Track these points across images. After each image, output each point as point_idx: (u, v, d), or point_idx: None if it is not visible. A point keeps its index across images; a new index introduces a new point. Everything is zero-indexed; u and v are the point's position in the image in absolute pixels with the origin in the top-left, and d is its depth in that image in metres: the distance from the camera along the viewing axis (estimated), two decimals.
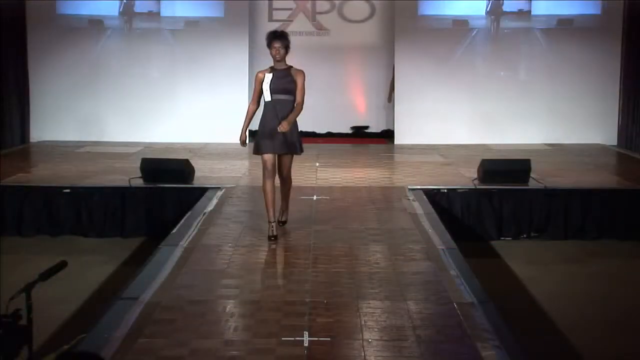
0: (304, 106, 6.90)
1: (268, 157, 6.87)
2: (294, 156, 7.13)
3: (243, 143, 7.06)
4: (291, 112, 6.80)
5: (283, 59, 6.84)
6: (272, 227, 6.90)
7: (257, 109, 6.99)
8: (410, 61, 13.42)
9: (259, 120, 6.93)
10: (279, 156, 6.95)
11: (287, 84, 6.81)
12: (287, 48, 6.82)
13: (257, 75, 6.95)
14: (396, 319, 4.95)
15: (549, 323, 6.23)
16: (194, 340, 4.55)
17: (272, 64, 6.91)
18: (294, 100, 6.83)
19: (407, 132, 13.36)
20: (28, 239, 8.98)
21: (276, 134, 6.75)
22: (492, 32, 13.51)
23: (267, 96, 6.83)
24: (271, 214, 6.90)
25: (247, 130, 7.09)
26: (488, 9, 13.44)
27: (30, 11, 13.26)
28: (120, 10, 13.58)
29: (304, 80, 6.85)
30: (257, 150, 6.93)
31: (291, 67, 6.89)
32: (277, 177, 7.08)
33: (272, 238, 6.87)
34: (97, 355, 4.01)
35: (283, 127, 6.62)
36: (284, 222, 7.38)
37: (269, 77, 6.81)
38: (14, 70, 12.89)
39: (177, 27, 13.58)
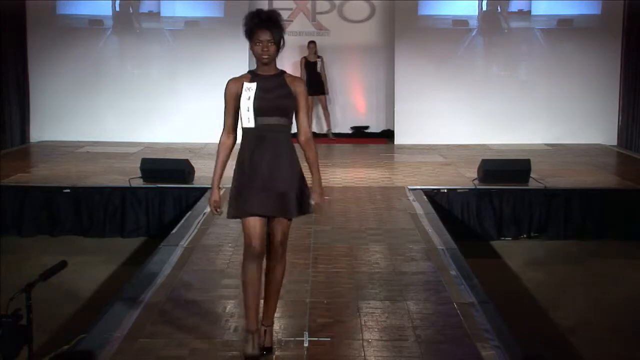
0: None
1: (255, 222, 4.18)
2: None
3: (217, 207, 4.30)
4: (289, 148, 4.24)
5: (272, 60, 4.24)
6: (254, 339, 4.26)
7: (234, 142, 4.33)
8: (410, 61, 13.41)
9: (236, 161, 4.29)
10: (271, 218, 4.26)
11: (281, 99, 4.21)
12: (279, 43, 4.21)
13: (228, 86, 4.25)
14: (396, 319, 4.95)
15: (548, 323, 6.22)
16: (194, 341, 4.55)
17: (254, 67, 4.34)
18: (290, 126, 4.27)
19: (407, 132, 13.36)
20: (28, 239, 8.97)
21: (268, 184, 4.18)
22: (492, 32, 13.51)
23: (246, 120, 4.20)
24: (253, 318, 4.26)
25: (220, 183, 4.36)
26: (483, 9, 13.43)
27: (31, 11, 13.27)
28: (119, 10, 13.59)
29: (307, 94, 4.34)
30: (237, 212, 4.23)
31: (284, 72, 4.31)
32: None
33: (253, 358, 4.27)
34: (88, 352, 4.02)
35: (319, 201, 4.26)
36: (269, 349, 4.41)
37: (250, 88, 4.20)
38: (14, 70, 12.89)
39: (177, 27, 13.59)
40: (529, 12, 13.40)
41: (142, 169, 9.40)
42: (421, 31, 13.45)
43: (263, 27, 4.17)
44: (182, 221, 7.82)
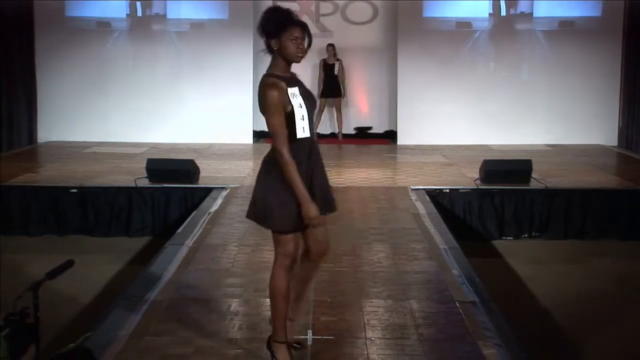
0: None
1: (299, 235, 4.00)
2: None
3: (316, 216, 3.86)
4: (320, 157, 4.01)
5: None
6: (287, 349, 4.05)
7: None
8: (413, 63, 13.47)
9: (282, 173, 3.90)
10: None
11: (315, 104, 3.97)
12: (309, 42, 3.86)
13: (273, 93, 3.72)
14: (399, 317, 4.99)
15: (549, 322, 6.26)
16: (198, 339, 4.59)
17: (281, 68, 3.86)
18: None
19: (410, 132, 13.42)
20: (35, 239, 9.04)
21: (320, 195, 3.99)
22: (495, 34, 13.56)
23: (301, 130, 3.80)
24: (285, 328, 4.05)
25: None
26: (491, 11, 13.51)
27: (39, 13, 13.35)
28: (130, 12, 13.69)
29: None
30: (291, 224, 3.91)
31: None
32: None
33: None
34: (87, 349, 4.08)
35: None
36: (300, 345, 4.35)
37: (295, 94, 3.78)
38: (22, 71, 12.96)
39: (182, 29, 13.68)
40: (531, 14, 13.46)
41: (148, 169, 9.47)
42: (424, 33, 13.50)
43: (296, 23, 3.78)
44: (188, 221, 7.88)
